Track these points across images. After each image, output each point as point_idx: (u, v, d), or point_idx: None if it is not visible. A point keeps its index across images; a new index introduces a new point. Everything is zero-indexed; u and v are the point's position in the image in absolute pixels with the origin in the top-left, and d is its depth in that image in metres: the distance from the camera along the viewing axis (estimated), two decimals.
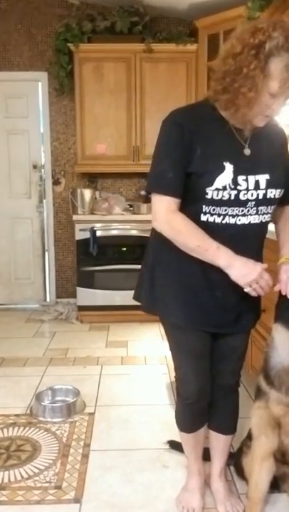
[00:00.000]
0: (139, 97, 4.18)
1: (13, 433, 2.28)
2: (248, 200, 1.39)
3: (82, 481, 1.90)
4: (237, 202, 1.38)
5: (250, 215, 1.42)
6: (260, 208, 1.42)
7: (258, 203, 1.41)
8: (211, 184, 1.35)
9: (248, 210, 1.40)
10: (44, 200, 4.60)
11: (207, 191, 1.35)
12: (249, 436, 1.70)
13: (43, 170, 4.58)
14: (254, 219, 1.43)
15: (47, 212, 4.61)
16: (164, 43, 4.11)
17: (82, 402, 2.54)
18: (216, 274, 1.41)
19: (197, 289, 1.49)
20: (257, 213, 1.43)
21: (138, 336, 3.76)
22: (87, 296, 4.05)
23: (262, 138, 1.44)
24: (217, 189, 1.35)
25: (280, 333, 1.45)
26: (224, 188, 1.35)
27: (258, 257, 1.52)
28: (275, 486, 1.74)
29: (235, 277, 1.37)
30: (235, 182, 1.36)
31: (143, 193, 4.49)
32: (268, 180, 1.41)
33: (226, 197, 1.36)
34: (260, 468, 1.58)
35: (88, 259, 4.02)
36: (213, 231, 1.39)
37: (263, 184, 1.40)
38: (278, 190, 1.44)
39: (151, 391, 2.75)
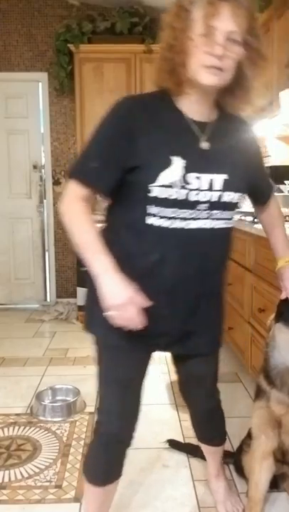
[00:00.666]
0: None
1: (13, 432, 2.28)
2: (197, 202, 1.19)
3: (83, 480, 1.90)
4: (186, 203, 1.18)
5: (200, 219, 1.21)
6: (213, 212, 1.22)
7: (211, 206, 1.21)
8: (154, 180, 1.14)
9: (199, 214, 1.20)
10: (44, 200, 4.61)
11: (150, 188, 1.15)
12: (249, 435, 1.71)
13: (43, 170, 4.59)
14: (204, 224, 1.22)
15: (47, 212, 4.62)
16: None
17: (83, 402, 2.54)
18: (163, 277, 1.23)
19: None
20: (208, 218, 1.22)
21: None
22: None
23: (226, 133, 1.27)
24: (162, 186, 1.15)
25: (284, 333, 1.43)
26: (171, 186, 1.15)
27: (216, 271, 1.35)
28: (275, 484, 1.75)
29: (101, 292, 1.14)
30: (184, 180, 1.16)
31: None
32: (225, 181, 1.22)
33: (173, 196, 1.16)
34: (260, 468, 1.59)
35: None
36: (161, 237, 1.19)
37: (218, 185, 1.21)
38: (237, 195, 1.25)
39: (150, 391, 2.74)
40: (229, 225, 1.28)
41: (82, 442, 2.18)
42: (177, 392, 2.70)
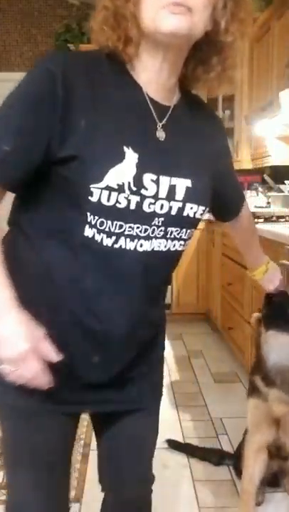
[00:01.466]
0: None
1: None
2: (154, 215, 0.85)
3: (83, 480, 1.91)
4: (139, 215, 0.84)
5: (156, 237, 0.87)
6: (169, 229, 0.88)
7: (168, 221, 0.87)
8: (98, 179, 0.79)
9: (154, 231, 0.86)
10: None
11: (92, 190, 0.79)
12: (246, 433, 1.72)
13: None
14: (159, 245, 0.88)
15: None
16: None
17: None
18: (95, 314, 0.87)
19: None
20: (164, 237, 0.88)
21: None
22: None
23: (190, 124, 0.94)
24: (108, 189, 0.80)
25: (278, 337, 1.45)
26: (120, 189, 0.80)
27: (160, 302, 1.05)
28: (275, 483, 1.76)
29: None
30: (139, 181, 0.82)
31: None
32: (188, 190, 0.88)
33: (122, 204, 0.81)
34: (255, 462, 1.62)
35: None
36: (100, 259, 0.84)
37: (180, 193, 0.87)
38: (201, 209, 0.92)
39: None
40: (185, 248, 0.96)
41: (81, 442, 2.18)
42: (177, 392, 2.71)
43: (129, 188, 0.82)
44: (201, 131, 0.96)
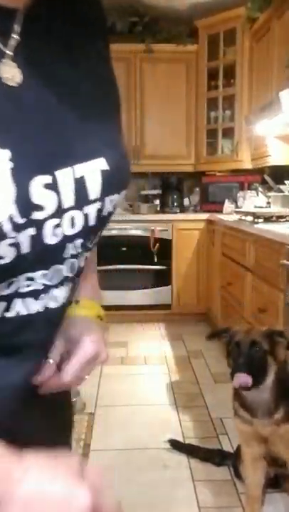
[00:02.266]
0: (139, 97, 4.18)
1: None
2: (65, 241, 0.49)
3: None
4: (41, 255, 0.48)
5: (71, 279, 0.54)
6: (83, 255, 0.54)
7: (87, 236, 0.53)
8: None
9: (73, 266, 0.53)
10: None
11: None
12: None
13: None
14: (60, 295, 0.53)
15: None
16: (164, 43, 4.12)
17: (82, 402, 2.54)
18: None
19: None
20: (78, 270, 0.55)
21: (138, 335, 3.77)
22: None
23: (54, 30, 0.52)
24: None
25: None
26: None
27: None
28: (276, 485, 1.77)
29: None
30: (26, 202, 0.44)
31: (143, 192, 4.50)
32: (105, 175, 0.51)
33: (7, 256, 0.45)
34: (254, 470, 1.65)
35: None
36: None
37: (95, 186, 0.50)
38: (123, 193, 0.56)
39: (151, 391, 2.75)
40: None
41: (81, 443, 2.18)
42: (177, 392, 2.71)
43: (13, 225, 0.43)
44: (80, 48, 0.54)
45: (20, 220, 0.44)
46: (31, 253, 0.46)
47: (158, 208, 4.31)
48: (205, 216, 3.96)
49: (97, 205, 0.51)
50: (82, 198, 0.49)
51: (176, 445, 2.11)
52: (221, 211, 3.95)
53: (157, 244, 3.95)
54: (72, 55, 0.53)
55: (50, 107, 0.48)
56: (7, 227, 0.43)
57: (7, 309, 0.49)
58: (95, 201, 0.51)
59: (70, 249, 0.51)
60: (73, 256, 0.51)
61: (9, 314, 0.49)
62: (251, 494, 1.67)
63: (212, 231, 3.73)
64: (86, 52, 0.56)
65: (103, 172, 0.51)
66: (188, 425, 2.32)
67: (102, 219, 0.53)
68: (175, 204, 4.27)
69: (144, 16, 4.14)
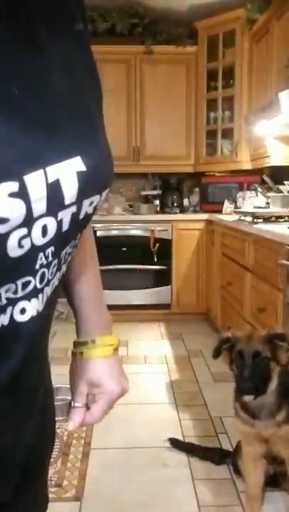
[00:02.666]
0: (139, 98, 4.20)
1: None
2: (33, 252, 0.44)
3: (83, 479, 1.91)
4: (9, 269, 0.43)
5: (47, 285, 0.49)
6: (62, 253, 0.49)
7: (60, 243, 0.48)
8: None
9: (43, 276, 0.47)
10: None
11: None
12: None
13: None
14: (30, 308, 0.47)
15: None
16: (163, 45, 4.13)
17: None
18: None
19: None
20: (51, 280, 0.49)
21: (138, 335, 3.78)
22: None
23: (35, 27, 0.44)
24: None
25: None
26: (6, 220, 0.40)
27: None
28: (275, 483, 1.78)
29: None
30: (23, 186, 0.40)
31: (143, 192, 4.52)
32: (82, 177, 0.45)
33: (16, 251, 0.43)
34: (254, 469, 1.66)
35: None
36: None
37: (71, 190, 0.45)
38: (105, 193, 0.51)
39: (151, 390, 2.76)
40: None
41: (82, 441, 2.19)
42: (177, 391, 2.73)
43: (18, 208, 0.41)
44: (51, 33, 0.47)
45: (25, 199, 0.40)
46: (28, 253, 0.43)
47: (158, 208, 4.32)
48: (205, 216, 3.98)
49: (73, 208, 0.46)
50: (55, 204, 0.44)
51: (175, 444, 2.12)
52: (220, 211, 3.96)
53: (157, 245, 3.96)
54: (39, 43, 0.45)
55: (14, 101, 0.41)
56: (15, 208, 0.40)
57: None
58: (70, 205, 0.45)
59: (41, 259, 0.46)
60: (43, 266, 0.46)
61: None
62: (251, 493, 1.68)
63: (212, 231, 3.74)
64: (59, 37, 0.47)
65: (79, 173, 0.45)
66: (188, 424, 2.33)
67: (79, 223, 0.48)
68: (175, 204, 4.29)
69: (144, 17, 4.16)
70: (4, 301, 0.44)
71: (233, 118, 4.01)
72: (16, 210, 0.40)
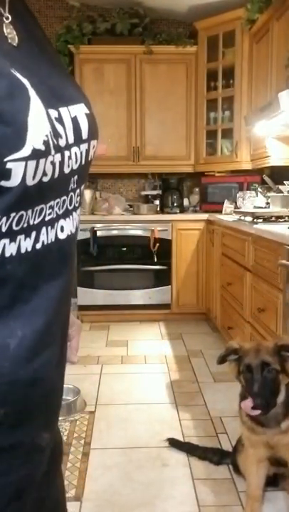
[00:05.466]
0: (139, 98, 4.20)
1: None
2: (70, 174, 0.57)
3: (83, 479, 1.92)
4: (59, 183, 0.55)
5: (74, 208, 0.60)
6: (78, 190, 0.61)
7: (81, 176, 0.60)
8: (22, 142, 0.48)
9: (71, 199, 0.59)
10: None
11: (8, 167, 0.47)
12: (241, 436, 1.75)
13: None
14: (72, 222, 0.60)
15: None
16: (163, 45, 4.14)
17: (83, 401, 2.55)
18: None
19: None
20: (76, 207, 0.61)
21: (138, 335, 3.78)
22: (87, 295, 4.06)
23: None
24: (36, 155, 0.49)
25: None
26: (47, 150, 0.51)
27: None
28: (274, 483, 1.78)
29: None
30: (53, 127, 0.53)
31: (143, 192, 4.52)
32: (89, 119, 0.60)
33: (49, 174, 0.52)
34: (256, 471, 1.66)
35: (89, 259, 4.04)
36: (10, 275, 0.51)
37: (84, 127, 0.59)
38: (97, 142, 0.64)
39: (151, 390, 2.76)
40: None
41: (82, 441, 2.19)
42: (177, 391, 2.73)
43: (53, 143, 0.51)
44: (30, 16, 0.62)
45: (54, 140, 0.52)
46: (56, 180, 0.53)
47: (158, 209, 4.32)
48: (204, 216, 3.98)
49: (86, 145, 0.59)
50: (78, 136, 0.57)
51: (175, 444, 2.12)
52: (220, 211, 3.96)
53: (157, 245, 3.97)
54: (27, 22, 0.60)
55: (39, 62, 0.57)
56: (51, 143, 0.51)
57: (36, 240, 0.53)
58: (85, 141, 0.58)
59: (72, 183, 0.58)
60: (72, 190, 0.58)
61: (38, 245, 0.53)
62: (252, 494, 1.68)
63: (212, 231, 3.74)
64: (30, 18, 0.62)
65: (87, 115, 0.60)
66: (188, 424, 2.33)
67: (88, 163, 0.61)
68: (175, 204, 4.29)
69: (144, 17, 4.16)
70: (54, 215, 0.55)
71: (233, 118, 4.01)
72: (62, 133, 0.53)
